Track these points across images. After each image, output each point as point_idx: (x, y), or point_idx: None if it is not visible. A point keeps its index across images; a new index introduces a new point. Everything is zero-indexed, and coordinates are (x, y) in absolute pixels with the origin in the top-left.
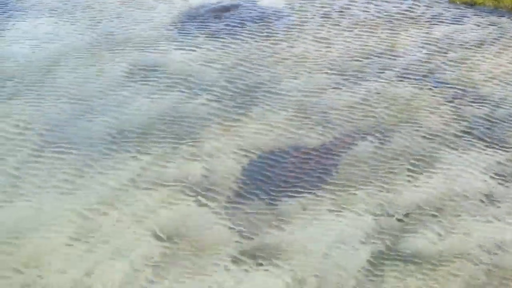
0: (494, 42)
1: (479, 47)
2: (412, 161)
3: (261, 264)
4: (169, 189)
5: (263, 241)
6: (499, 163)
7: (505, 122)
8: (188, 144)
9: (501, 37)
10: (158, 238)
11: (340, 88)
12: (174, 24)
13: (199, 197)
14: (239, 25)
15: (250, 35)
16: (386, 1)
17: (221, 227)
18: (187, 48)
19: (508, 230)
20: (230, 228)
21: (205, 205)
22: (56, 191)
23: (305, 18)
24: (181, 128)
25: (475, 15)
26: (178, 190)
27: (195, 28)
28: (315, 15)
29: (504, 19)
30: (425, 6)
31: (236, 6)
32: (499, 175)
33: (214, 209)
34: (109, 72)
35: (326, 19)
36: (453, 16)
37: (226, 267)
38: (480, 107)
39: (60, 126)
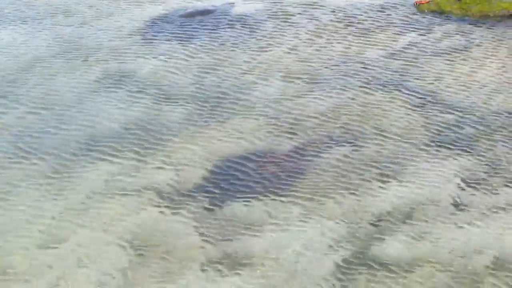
0: (461, 50)
1: (446, 55)
2: (382, 168)
3: (231, 271)
4: (139, 196)
5: (232, 247)
6: (466, 169)
7: (471, 128)
8: (158, 151)
9: (468, 45)
10: (128, 245)
11: (311, 95)
12: (145, 30)
13: (169, 204)
14: (211, 32)
15: (221, 42)
16: (355, 9)
17: (190, 234)
18: (158, 54)
19: (476, 235)
20: (200, 235)
21: (175, 212)
22: (25, 198)
23: (277, 25)
24: (151, 135)
25: (443, 23)
26: (148, 197)
27: (167, 34)
28: (286, 23)
29: (471, 27)
30: (393, 14)
31: (208, 12)
32: (467, 181)
33: (183, 216)
34: (80, 79)
35: (297, 26)
36: (421, 24)
37: (196, 274)
38: (448, 114)
39: (31, 134)
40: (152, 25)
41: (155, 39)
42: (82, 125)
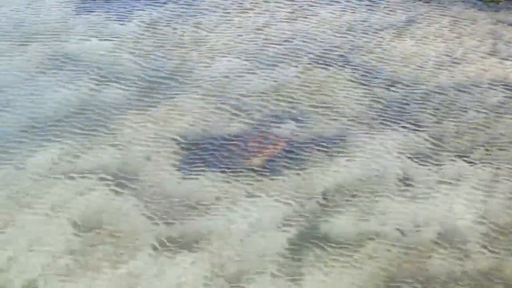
0: (405, 26)
1: (391, 30)
2: (328, 144)
3: (180, 251)
4: (86, 178)
5: (182, 227)
6: (413, 144)
7: (417, 103)
8: (103, 132)
9: (412, 21)
10: (76, 228)
11: (256, 74)
12: (84, 11)
13: (117, 186)
14: (153, 9)
15: (164, 19)
16: None
17: (139, 215)
18: (99, 34)
19: (424, 210)
20: (149, 215)
21: (123, 193)
22: None
23: (221, 3)
24: (96, 117)
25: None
26: (95, 179)
27: (107, 14)
28: (230, 0)
29: (415, 3)
30: None
31: None
32: (414, 156)
33: (131, 197)
34: (20, 62)
35: (238, 4)
36: (366, 1)
37: (146, 255)
38: (394, 89)
39: None
40: (92, 6)
41: (97, 18)
42: (26, 108)
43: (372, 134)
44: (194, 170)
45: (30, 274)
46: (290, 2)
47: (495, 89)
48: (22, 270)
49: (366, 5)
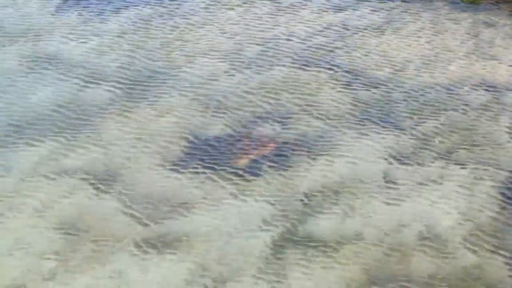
0: (387, 27)
1: (373, 31)
2: (311, 145)
3: (164, 252)
4: (69, 179)
5: (165, 228)
6: (396, 145)
7: (400, 104)
8: (87, 133)
9: (393, 21)
10: (59, 228)
11: (238, 74)
12: (68, 11)
13: (100, 186)
14: (138, 8)
15: (149, 19)
16: None
17: (123, 216)
18: (83, 36)
19: (406, 210)
20: (132, 216)
21: (106, 194)
22: None
23: (204, 3)
24: (79, 117)
25: (369, 0)
26: (78, 180)
27: (90, 14)
28: (214, 0)
29: (397, 3)
30: None
31: None
32: (397, 157)
33: (114, 197)
34: (3, 63)
35: (223, 4)
36: (347, 1)
37: (129, 255)
38: (375, 90)
39: None
40: (74, 6)
41: (80, 17)
42: (9, 108)
43: (355, 134)
44: (178, 170)
45: (14, 275)
46: (274, 2)
47: (476, 89)
48: (6, 271)
49: (348, 5)
